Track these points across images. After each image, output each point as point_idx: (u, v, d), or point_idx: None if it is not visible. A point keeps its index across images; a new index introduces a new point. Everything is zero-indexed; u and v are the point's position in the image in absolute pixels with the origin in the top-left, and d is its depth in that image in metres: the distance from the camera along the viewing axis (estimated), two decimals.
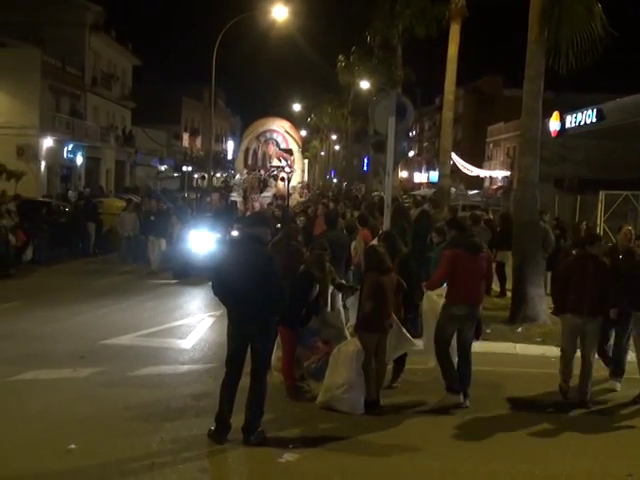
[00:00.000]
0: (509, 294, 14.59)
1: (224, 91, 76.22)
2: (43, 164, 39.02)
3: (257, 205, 24.33)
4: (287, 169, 25.22)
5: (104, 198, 30.68)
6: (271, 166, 23.89)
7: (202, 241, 18.87)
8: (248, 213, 24.33)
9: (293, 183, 26.78)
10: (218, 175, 31.83)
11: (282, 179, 25.05)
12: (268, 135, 24.23)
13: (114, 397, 8.46)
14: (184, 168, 59.55)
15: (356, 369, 7.96)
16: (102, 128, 46.78)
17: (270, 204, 23.99)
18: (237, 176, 27.81)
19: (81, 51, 43.71)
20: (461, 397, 8.29)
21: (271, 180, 24.43)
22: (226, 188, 27.85)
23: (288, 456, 6.70)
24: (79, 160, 43.62)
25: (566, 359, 8.95)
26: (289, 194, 23.81)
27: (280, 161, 24.55)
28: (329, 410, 8.00)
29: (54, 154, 40.05)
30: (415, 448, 7.15)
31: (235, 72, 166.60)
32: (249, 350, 7.19)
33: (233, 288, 7.06)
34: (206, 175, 52.00)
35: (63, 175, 42.66)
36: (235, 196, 25.89)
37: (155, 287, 17.51)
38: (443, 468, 6.68)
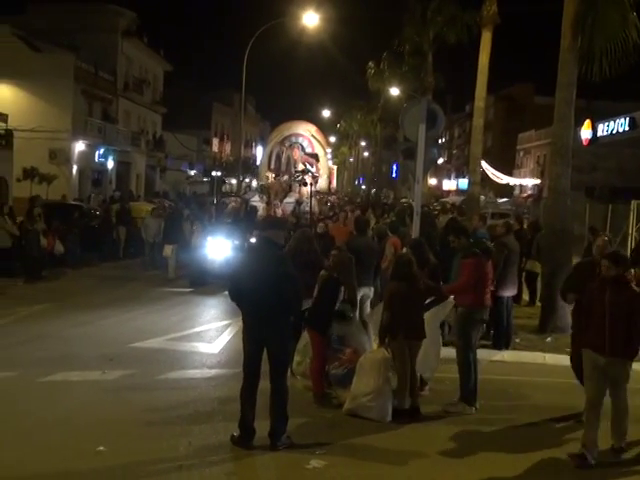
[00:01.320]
0: (539, 303, 14.47)
1: (254, 96, 76.61)
2: (75, 168, 39.46)
3: (279, 211, 23.98)
4: (312, 174, 24.97)
5: (133, 202, 30.88)
6: (295, 171, 23.78)
7: (219, 248, 18.41)
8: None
9: (318, 188, 26.38)
10: (247, 180, 31.91)
11: (304, 184, 24.56)
12: (293, 139, 24.21)
13: (142, 400, 8.52)
14: (213, 173, 59.87)
15: (383, 377, 7.94)
16: (133, 133, 47.21)
17: (293, 211, 23.61)
18: (255, 181, 27.63)
19: (114, 56, 44.17)
20: (474, 409, 8.30)
21: (295, 185, 24.24)
22: (247, 193, 27.45)
23: (315, 462, 6.69)
24: (110, 164, 44.03)
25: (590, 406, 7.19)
26: (311, 200, 23.38)
27: (305, 166, 24.48)
28: (356, 417, 7.98)
29: (86, 158, 40.48)
30: (444, 457, 7.10)
31: (265, 78, 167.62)
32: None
33: (248, 291, 7.10)
34: (232, 181, 52.28)
35: (94, 179, 43.10)
36: (257, 201, 25.41)
37: (173, 295, 16.97)
38: (472, 478, 6.62)
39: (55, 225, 20.25)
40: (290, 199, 24.87)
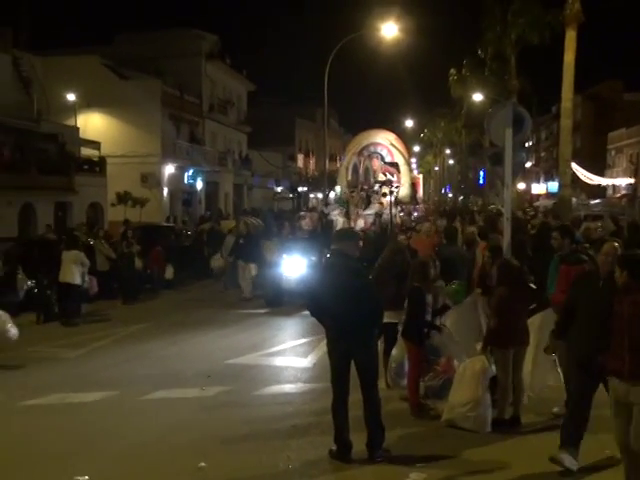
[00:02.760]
0: None
1: (336, 110, 77.01)
2: (166, 190, 40.50)
3: (360, 222, 23.42)
4: (393, 184, 24.61)
5: (223, 220, 31.32)
6: (376, 181, 23.48)
7: (295, 265, 17.64)
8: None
9: (400, 198, 25.75)
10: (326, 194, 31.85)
11: (384, 194, 23.96)
12: (372, 149, 23.95)
13: (241, 415, 8.62)
14: (299, 189, 60.41)
15: (482, 387, 7.79)
16: (220, 153, 48.12)
17: (373, 223, 22.94)
18: (332, 194, 27.08)
19: (198, 79, 45.17)
20: None
21: (375, 196, 23.88)
22: (327, 207, 26.82)
23: (415, 475, 6.59)
24: (199, 185, 44.98)
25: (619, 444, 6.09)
26: (391, 210, 22.74)
27: (385, 176, 24.24)
28: (454, 428, 7.85)
29: (175, 180, 41.50)
30: (549, 468, 6.88)
31: (347, 91, 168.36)
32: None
33: (327, 305, 7.11)
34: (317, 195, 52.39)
35: (184, 200, 44.10)
36: (335, 215, 24.67)
37: (251, 316, 16.60)
38: None
39: (157, 250, 20.71)
40: (370, 211, 24.36)
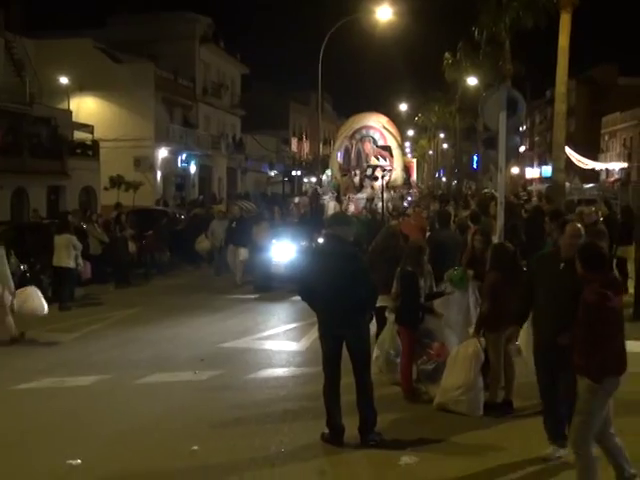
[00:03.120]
0: (631, 290, 13.97)
1: (331, 94, 76.80)
2: (159, 174, 40.45)
3: (352, 207, 23.12)
4: (386, 168, 24.31)
5: (215, 205, 31.22)
6: (368, 165, 23.13)
7: (285, 250, 17.47)
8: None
9: (393, 182, 25.37)
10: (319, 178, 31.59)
11: (375, 178, 23.65)
12: (364, 132, 23.58)
13: (233, 399, 8.65)
14: (293, 173, 60.29)
15: (474, 371, 7.81)
16: (213, 137, 48.02)
17: (364, 207, 22.64)
18: (324, 177, 26.68)
19: (192, 63, 45.03)
20: None
21: (367, 181, 23.47)
22: (315, 192, 26.43)
23: (407, 459, 6.62)
24: (192, 169, 44.93)
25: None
26: (383, 195, 22.37)
27: (378, 159, 23.90)
28: (447, 412, 7.89)
29: (169, 164, 41.43)
30: (540, 452, 6.92)
31: (341, 75, 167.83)
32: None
33: (321, 289, 7.09)
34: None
35: (178, 184, 44.06)
36: (326, 199, 24.37)
37: (240, 302, 16.28)
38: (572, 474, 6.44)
39: (150, 235, 20.63)
40: (362, 195, 24.06)
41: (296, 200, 27.93)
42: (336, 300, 6.97)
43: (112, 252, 18.88)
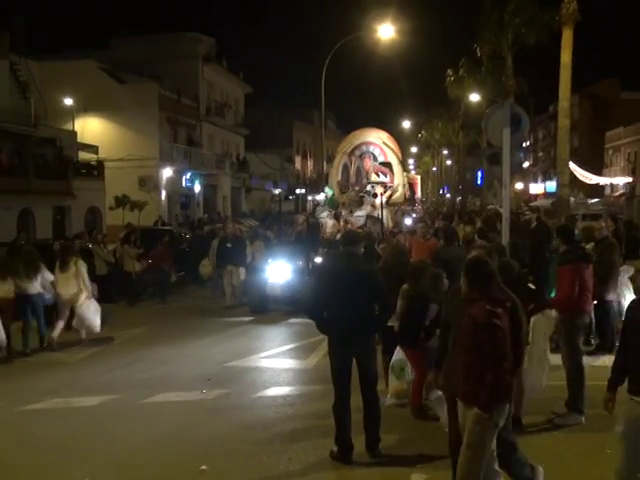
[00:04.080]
0: None
1: (334, 112, 77.14)
2: (164, 193, 40.54)
3: (350, 226, 22.58)
4: (383, 185, 23.99)
5: (220, 224, 31.13)
6: (368, 182, 22.89)
7: (280, 271, 16.69)
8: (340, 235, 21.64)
9: (394, 199, 24.88)
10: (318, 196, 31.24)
11: (374, 195, 23.12)
12: (364, 148, 23.42)
13: (241, 418, 8.62)
14: (297, 191, 60.43)
15: None
16: (217, 156, 48.20)
17: (363, 225, 22.10)
18: (321, 196, 26.27)
19: (195, 82, 45.27)
20: (583, 418, 8.01)
21: (367, 198, 23.05)
22: (314, 209, 26.02)
23: (417, 476, 6.61)
24: (197, 188, 45.03)
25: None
26: (382, 212, 21.95)
27: (378, 176, 23.70)
28: None
29: (173, 183, 41.54)
30: (550, 469, 6.87)
31: (344, 93, 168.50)
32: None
33: (335, 308, 7.06)
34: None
35: (182, 203, 44.15)
36: (324, 217, 23.84)
37: (239, 324, 15.83)
38: None
39: (157, 251, 20.57)
40: (361, 212, 23.61)
41: (297, 218, 27.48)
42: (351, 318, 6.95)
43: (120, 269, 18.99)
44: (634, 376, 5.15)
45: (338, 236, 20.68)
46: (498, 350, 5.12)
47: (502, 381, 5.17)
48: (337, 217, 23.22)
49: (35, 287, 12.95)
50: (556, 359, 8.55)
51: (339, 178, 25.43)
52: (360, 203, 24.14)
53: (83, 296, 13.38)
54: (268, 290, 16.73)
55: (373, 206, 23.25)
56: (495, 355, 5.11)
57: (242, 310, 17.31)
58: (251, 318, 16.38)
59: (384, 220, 21.95)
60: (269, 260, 17.31)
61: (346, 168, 25.79)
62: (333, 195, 25.14)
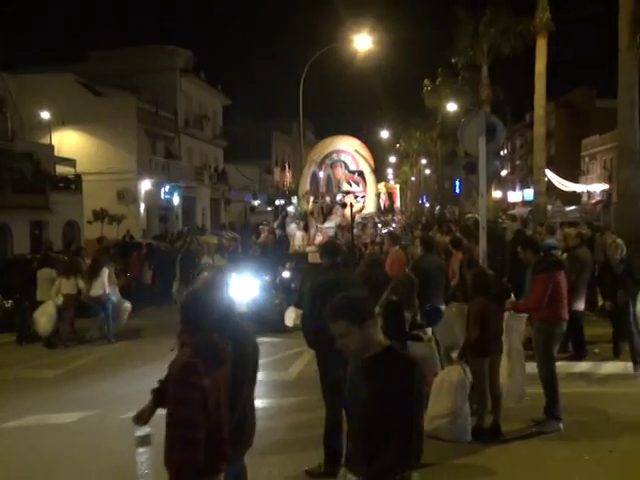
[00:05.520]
0: None
1: (312, 123, 77.22)
2: (142, 206, 40.36)
3: (320, 237, 21.84)
4: (359, 194, 23.36)
5: (199, 236, 30.93)
6: (340, 191, 22.41)
7: (246, 286, 15.42)
8: (310, 247, 20.62)
9: (367, 210, 24.22)
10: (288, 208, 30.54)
11: (344, 205, 22.31)
12: (335, 157, 22.99)
13: None
14: (277, 202, 60.38)
15: (460, 397, 7.80)
16: (196, 168, 48.14)
17: (334, 236, 21.33)
18: (291, 207, 25.43)
19: (173, 95, 45.22)
20: (561, 424, 8.05)
21: (337, 208, 22.19)
22: (283, 220, 25.11)
23: None
24: (176, 200, 44.90)
25: None
26: (352, 222, 21.18)
27: (350, 185, 23.28)
28: (435, 439, 7.85)
29: (152, 196, 41.39)
30: (530, 476, 6.91)
31: (323, 103, 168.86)
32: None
33: None
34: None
35: (161, 216, 43.97)
36: (293, 229, 23.60)
37: None
38: None
39: (132, 260, 20.48)
40: (330, 223, 22.94)
41: (261, 228, 26.52)
42: None
43: None
44: None
45: (307, 249, 20.40)
46: (192, 418, 4.10)
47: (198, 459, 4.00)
48: (306, 228, 22.59)
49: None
50: (531, 367, 8.59)
51: (307, 188, 24.64)
52: (328, 214, 23.42)
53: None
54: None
55: (343, 217, 22.64)
56: (189, 423, 4.08)
57: None
58: None
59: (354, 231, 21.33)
60: (233, 275, 16.03)
61: (315, 177, 25.03)
62: (299, 206, 24.48)
